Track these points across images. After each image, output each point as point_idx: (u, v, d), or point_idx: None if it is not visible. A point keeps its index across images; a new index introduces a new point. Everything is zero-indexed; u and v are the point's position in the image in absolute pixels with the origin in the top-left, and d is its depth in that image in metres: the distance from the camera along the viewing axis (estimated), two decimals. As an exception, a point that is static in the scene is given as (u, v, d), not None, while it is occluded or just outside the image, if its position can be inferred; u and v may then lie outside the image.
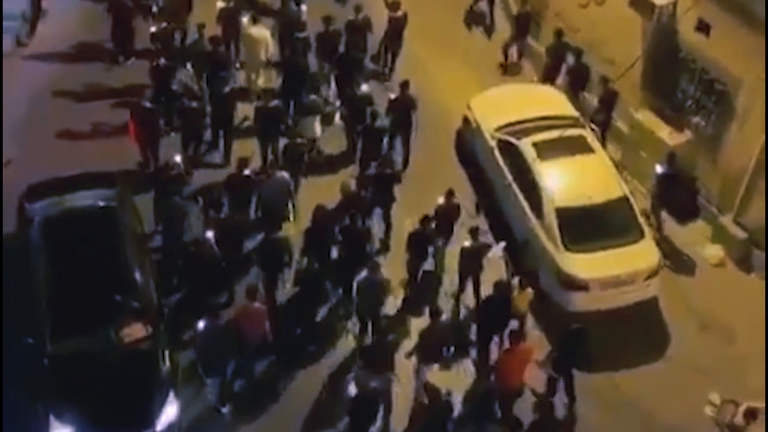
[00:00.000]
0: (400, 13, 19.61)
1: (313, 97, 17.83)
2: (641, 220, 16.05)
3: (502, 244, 15.83)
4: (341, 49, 18.89)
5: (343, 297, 15.57)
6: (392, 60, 20.16)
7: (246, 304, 14.21)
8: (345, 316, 15.59)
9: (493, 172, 17.41)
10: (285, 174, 16.26)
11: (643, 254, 15.75)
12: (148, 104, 17.04)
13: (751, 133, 16.17)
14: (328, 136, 18.21)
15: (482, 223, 16.87)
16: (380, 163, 16.59)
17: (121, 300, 14.06)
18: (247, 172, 16.11)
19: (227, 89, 17.72)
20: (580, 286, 15.37)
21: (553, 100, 18.34)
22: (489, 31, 21.38)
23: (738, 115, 16.46)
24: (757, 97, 15.87)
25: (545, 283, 15.86)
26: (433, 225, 15.66)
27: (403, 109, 17.56)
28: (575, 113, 17.79)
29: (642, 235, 15.87)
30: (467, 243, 15.49)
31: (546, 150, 16.58)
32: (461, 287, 15.90)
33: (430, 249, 15.85)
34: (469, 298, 15.94)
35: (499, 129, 17.45)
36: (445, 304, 15.72)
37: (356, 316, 15.18)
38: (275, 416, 14.41)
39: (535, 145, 16.67)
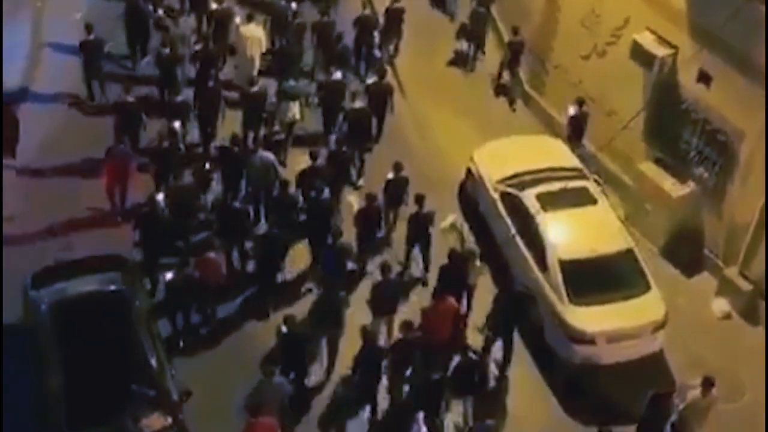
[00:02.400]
0: (398, 4, 21.13)
1: (292, 82, 18.89)
2: (647, 272, 15.91)
3: (454, 215, 16.85)
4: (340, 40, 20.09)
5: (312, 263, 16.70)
6: (395, 49, 21.55)
7: (204, 255, 15.49)
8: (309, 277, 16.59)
9: (497, 224, 17.33)
10: (269, 154, 17.32)
11: (649, 307, 15.61)
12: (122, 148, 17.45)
13: (755, 184, 16.10)
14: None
15: (486, 275, 16.74)
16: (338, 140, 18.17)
17: (137, 389, 13.50)
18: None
19: (211, 83, 18.82)
20: (586, 339, 15.20)
21: (555, 152, 18.32)
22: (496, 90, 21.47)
23: (741, 166, 16.42)
24: (760, 148, 15.83)
25: (550, 336, 15.70)
26: (379, 200, 16.70)
27: (380, 93, 18.85)
28: (578, 164, 17.77)
29: (648, 287, 15.73)
30: (415, 210, 16.38)
31: (549, 201, 16.51)
32: (407, 252, 16.77)
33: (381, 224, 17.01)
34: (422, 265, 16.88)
35: (502, 181, 17.41)
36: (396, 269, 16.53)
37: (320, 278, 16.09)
38: (229, 353, 15.55)
39: (538, 196, 16.62)
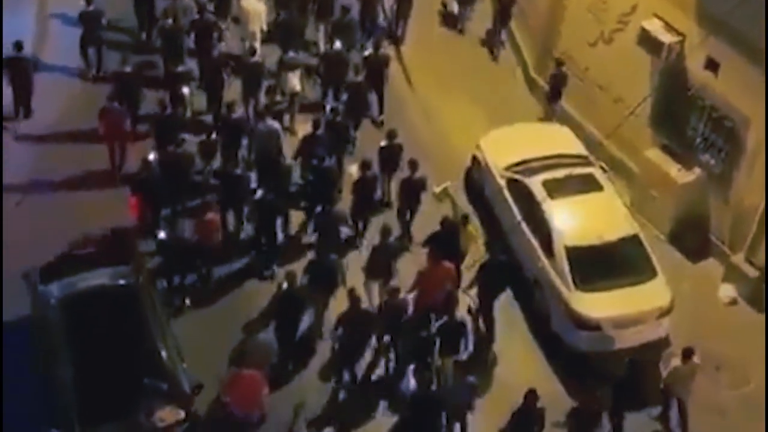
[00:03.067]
0: None
1: (291, 54, 19.08)
2: (653, 258, 15.93)
3: (448, 182, 17.25)
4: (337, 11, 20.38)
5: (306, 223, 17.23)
6: (404, 24, 21.69)
7: (202, 216, 16.00)
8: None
9: (503, 211, 17.35)
10: (275, 122, 17.69)
11: (655, 293, 15.64)
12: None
13: (761, 170, 16.08)
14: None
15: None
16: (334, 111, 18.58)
17: (150, 383, 13.41)
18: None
19: (216, 53, 19.14)
20: (592, 325, 15.24)
21: (562, 139, 18.33)
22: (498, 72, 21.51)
23: (748, 152, 16.41)
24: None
25: (556, 322, 15.75)
26: (374, 169, 17.07)
27: (377, 64, 19.14)
28: (584, 151, 17.78)
29: (654, 273, 15.76)
30: (406, 176, 16.82)
31: (556, 188, 16.54)
32: (400, 216, 17.14)
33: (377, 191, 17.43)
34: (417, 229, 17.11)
35: (508, 168, 17.42)
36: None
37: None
38: (226, 312, 15.87)
39: (544, 183, 16.64)
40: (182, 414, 13.50)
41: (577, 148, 17.94)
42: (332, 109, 18.74)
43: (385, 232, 15.74)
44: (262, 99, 19.15)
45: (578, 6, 19.23)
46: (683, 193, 17.25)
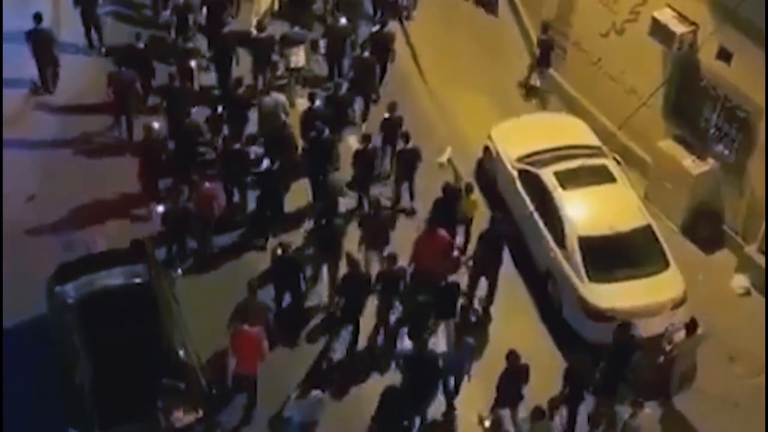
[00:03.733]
0: None
1: (296, 29, 19.65)
2: (666, 249, 15.88)
3: (449, 149, 17.71)
4: None
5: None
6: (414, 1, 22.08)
7: (201, 186, 16.47)
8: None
9: (515, 202, 17.33)
10: (280, 95, 18.27)
11: (669, 284, 15.62)
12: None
13: (776, 160, 16.04)
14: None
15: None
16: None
17: (168, 382, 13.39)
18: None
19: (226, 30, 19.59)
20: (605, 316, 15.20)
21: (574, 130, 18.30)
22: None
23: (761, 143, 16.33)
24: (781, 124, 15.80)
25: (568, 313, 15.72)
26: (376, 142, 17.59)
27: (382, 41, 19.54)
28: (597, 142, 17.73)
29: (667, 264, 15.73)
30: (402, 146, 17.33)
31: (568, 179, 16.52)
32: (396, 188, 17.57)
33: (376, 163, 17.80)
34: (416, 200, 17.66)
35: (520, 158, 17.40)
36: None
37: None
38: (228, 278, 16.13)
39: (556, 174, 16.62)
40: (200, 413, 13.47)
41: (590, 139, 17.91)
42: (335, 83, 18.97)
43: (377, 202, 16.36)
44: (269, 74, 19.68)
45: (590, -3, 19.17)
46: (696, 183, 17.18)
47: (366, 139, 17.39)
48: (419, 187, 17.63)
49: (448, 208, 16.35)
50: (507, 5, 22.37)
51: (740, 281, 16.77)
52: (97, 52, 20.39)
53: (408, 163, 17.37)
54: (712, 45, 16.46)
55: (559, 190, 16.35)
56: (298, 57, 19.42)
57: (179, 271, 16.33)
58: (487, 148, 18.42)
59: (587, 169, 16.70)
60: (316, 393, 14.27)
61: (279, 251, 15.36)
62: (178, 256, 16.46)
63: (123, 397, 13.14)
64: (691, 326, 14.55)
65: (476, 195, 16.98)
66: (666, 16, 16.99)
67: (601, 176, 16.75)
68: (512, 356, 14.05)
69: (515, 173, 17.32)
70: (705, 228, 17.43)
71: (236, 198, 17.36)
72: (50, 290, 14.57)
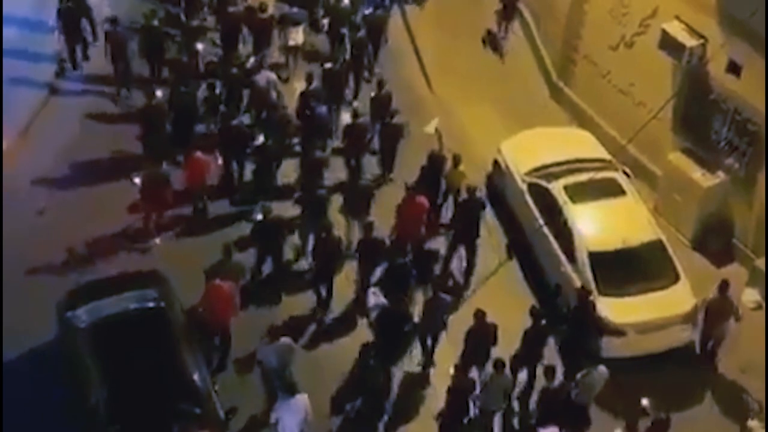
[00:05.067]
0: None
1: (295, 9, 20.64)
2: (676, 263, 15.84)
3: (436, 119, 18.31)
4: None
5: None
6: None
7: (192, 154, 17.09)
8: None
9: (525, 216, 17.31)
10: (271, 73, 19.06)
11: (679, 298, 15.57)
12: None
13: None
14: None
15: (514, 266, 16.87)
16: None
17: (183, 408, 13.25)
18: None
19: (233, 9, 20.36)
20: (616, 331, 15.15)
21: (583, 143, 18.30)
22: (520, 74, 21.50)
23: (770, 155, 16.32)
24: (791, 137, 15.76)
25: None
26: (367, 117, 18.45)
27: (376, 24, 20.59)
28: (606, 155, 17.70)
29: (677, 278, 15.69)
30: (387, 120, 18.09)
31: (578, 193, 16.51)
32: (381, 160, 18.40)
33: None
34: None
35: (529, 172, 17.39)
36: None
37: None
38: (215, 242, 16.33)
39: (566, 188, 16.61)
40: None
41: (599, 152, 17.90)
42: (331, 62, 19.67)
43: (358, 173, 17.51)
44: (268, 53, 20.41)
45: (599, 10, 19.17)
46: (707, 197, 17.15)
47: (356, 114, 18.28)
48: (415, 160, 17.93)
49: (432, 176, 17.24)
50: (516, 19, 22.34)
51: (751, 295, 16.69)
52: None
53: (391, 137, 18.19)
54: (722, 58, 16.45)
55: (569, 203, 16.34)
56: (297, 36, 20.31)
57: (157, 240, 16.98)
58: (496, 162, 18.42)
59: (597, 183, 16.69)
60: (285, 339, 14.61)
61: (260, 216, 16.20)
62: (155, 226, 17.07)
63: (138, 423, 13.03)
64: (723, 286, 15.14)
65: (464, 167, 17.49)
66: (676, 29, 17.00)
67: (611, 190, 16.74)
68: (479, 314, 14.56)
69: (525, 187, 17.31)
70: (715, 241, 17.37)
71: (234, 171, 18.12)
72: (60, 314, 14.44)
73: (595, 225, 16.13)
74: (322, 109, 18.33)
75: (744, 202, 16.99)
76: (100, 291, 14.68)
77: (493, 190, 18.56)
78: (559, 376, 14.63)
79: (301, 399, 13.70)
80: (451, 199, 17.57)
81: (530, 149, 18.11)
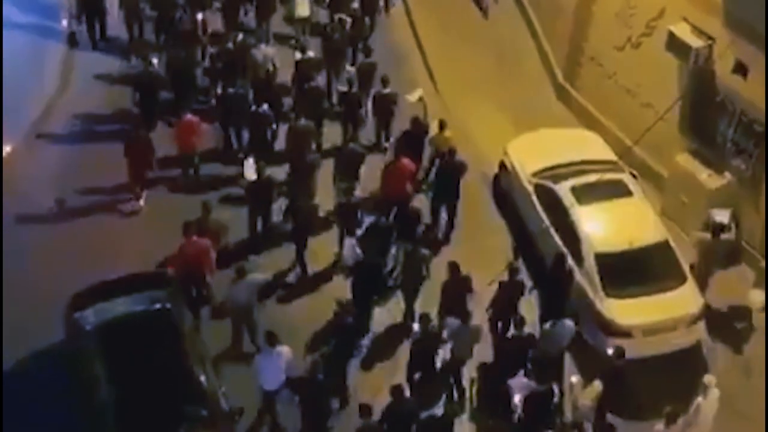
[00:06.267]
0: None
1: None
2: (683, 264, 15.83)
3: (420, 90, 19.21)
4: None
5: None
6: None
7: (183, 116, 17.81)
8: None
9: (531, 217, 17.31)
10: (269, 48, 20.10)
11: (686, 299, 15.53)
12: None
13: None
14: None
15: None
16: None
17: (190, 410, 13.23)
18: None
19: None
20: (623, 332, 15.15)
21: (590, 144, 18.29)
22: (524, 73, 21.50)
23: (779, 157, 16.31)
24: (798, 139, 15.74)
25: (586, 329, 15.67)
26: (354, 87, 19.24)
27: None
28: (613, 157, 17.71)
29: (684, 279, 15.66)
30: (380, 90, 18.91)
31: (584, 194, 16.48)
32: (377, 128, 19.24)
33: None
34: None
35: (536, 174, 17.39)
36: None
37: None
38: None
39: (573, 189, 16.59)
40: None
41: (606, 153, 17.88)
42: (332, 28, 20.44)
43: (347, 137, 18.16)
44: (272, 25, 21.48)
45: (605, 11, 19.18)
46: (713, 198, 17.13)
47: (350, 83, 18.96)
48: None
49: (414, 140, 17.96)
50: (523, 20, 22.39)
51: (758, 296, 16.65)
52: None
53: (384, 106, 19.00)
54: (729, 59, 16.44)
55: (576, 205, 16.33)
56: (303, 7, 21.14)
57: (141, 202, 17.64)
58: (503, 163, 18.42)
59: (604, 184, 16.65)
60: (252, 276, 15.17)
61: (254, 177, 16.80)
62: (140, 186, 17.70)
63: (145, 424, 13.02)
64: (717, 228, 15.97)
65: (450, 132, 18.11)
66: (683, 30, 16.96)
67: (618, 191, 16.71)
68: (453, 267, 15.16)
69: (531, 188, 17.31)
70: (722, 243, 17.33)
71: (234, 139, 18.94)
72: (68, 316, 14.46)
73: (602, 226, 16.11)
74: (317, 78, 19.32)
75: (751, 203, 16.97)
76: (107, 292, 14.67)
77: (500, 191, 18.57)
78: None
79: (282, 350, 14.00)
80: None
81: (537, 150, 18.10)
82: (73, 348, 14.22)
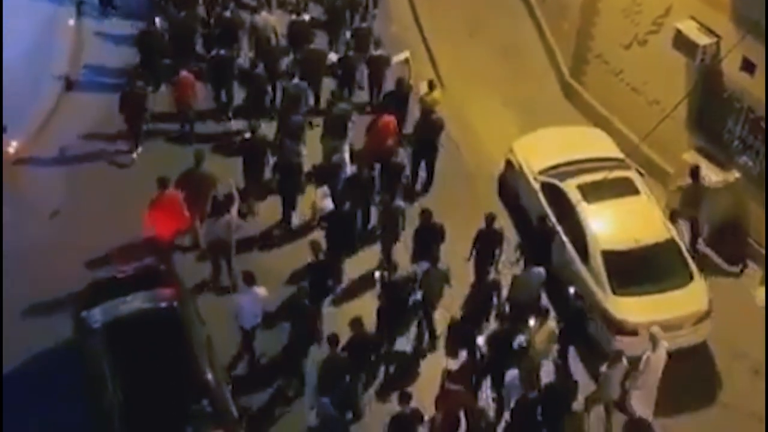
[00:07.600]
0: None
1: None
2: (690, 262, 15.81)
3: (407, 51, 20.18)
4: None
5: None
6: None
7: (179, 75, 18.66)
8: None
9: (538, 216, 17.27)
10: (269, 15, 20.64)
11: (693, 298, 15.52)
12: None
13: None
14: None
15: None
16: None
17: (197, 407, 13.29)
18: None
19: None
20: (629, 330, 15.14)
21: (596, 142, 18.26)
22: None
23: (786, 154, 16.27)
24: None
25: (592, 327, 15.65)
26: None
27: None
28: (620, 154, 17.68)
29: (691, 277, 15.64)
30: (375, 53, 19.77)
31: (591, 192, 16.47)
32: (369, 89, 20.12)
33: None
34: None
35: (542, 171, 17.38)
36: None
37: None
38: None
39: (579, 187, 16.58)
40: None
41: (613, 151, 17.86)
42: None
43: (333, 97, 18.46)
44: None
45: (612, 9, 19.15)
46: (721, 196, 17.09)
47: (347, 46, 20.05)
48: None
49: (399, 99, 18.73)
50: (529, 18, 22.36)
51: (765, 294, 16.63)
52: None
53: (376, 67, 19.79)
54: (736, 56, 16.37)
55: (583, 203, 16.32)
56: None
57: (134, 155, 18.51)
58: (509, 161, 18.41)
59: (610, 182, 16.64)
60: (229, 214, 15.90)
61: (248, 134, 17.51)
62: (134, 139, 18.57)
63: (152, 423, 13.06)
64: (695, 172, 16.71)
65: (438, 92, 19.08)
66: (689, 27, 16.94)
67: (625, 189, 16.70)
68: (425, 213, 16.01)
69: (538, 186, 17.30)
70: (729, 240, 17.32)
71: (223, 98, 19.65)
72: (76, 314, 14.50)
73: (609, 224, 16.10)
74: (312, 43, 19.92)
75: (758, 200, 16.92)
76: (114, 290, 14.70)
77: (506, 189, 18.55)
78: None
79: (259, 290, 14.79)
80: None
81: (543, 148, 18.09)
82: (81, 346, 14.24)
